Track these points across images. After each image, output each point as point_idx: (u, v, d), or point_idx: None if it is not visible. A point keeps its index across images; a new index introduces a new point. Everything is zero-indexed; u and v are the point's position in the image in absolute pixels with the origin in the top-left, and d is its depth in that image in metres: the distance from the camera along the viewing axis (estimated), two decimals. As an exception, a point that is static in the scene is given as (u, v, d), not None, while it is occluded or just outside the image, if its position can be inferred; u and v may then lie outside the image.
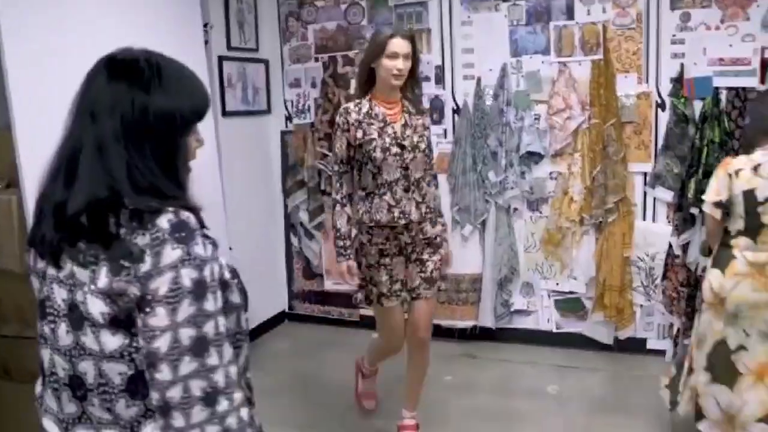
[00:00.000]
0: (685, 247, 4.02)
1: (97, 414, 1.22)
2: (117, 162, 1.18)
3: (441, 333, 4.60)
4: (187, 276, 1.14)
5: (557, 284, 4.49)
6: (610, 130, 4.12)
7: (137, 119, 1.20)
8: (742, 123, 3.20)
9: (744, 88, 3.83)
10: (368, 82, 3.06)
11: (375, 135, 2.98)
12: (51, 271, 1.24)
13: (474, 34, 4.46)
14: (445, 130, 4.59)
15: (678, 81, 4.01)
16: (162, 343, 1.12)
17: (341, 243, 3.08)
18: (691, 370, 3.08)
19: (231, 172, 4.54)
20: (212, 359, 1.15)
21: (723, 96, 3.90)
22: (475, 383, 4.11)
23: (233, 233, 4.38)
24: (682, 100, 3.99)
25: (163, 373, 1.12)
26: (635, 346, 4.34)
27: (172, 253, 1.14)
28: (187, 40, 3.98)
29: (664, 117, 4.09)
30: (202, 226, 1.23)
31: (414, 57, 2.98)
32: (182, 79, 1.30)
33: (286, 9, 4.98)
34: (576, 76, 4.21)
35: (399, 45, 2.91)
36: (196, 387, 1.13)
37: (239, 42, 4.71)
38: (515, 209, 4.51)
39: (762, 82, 3.79)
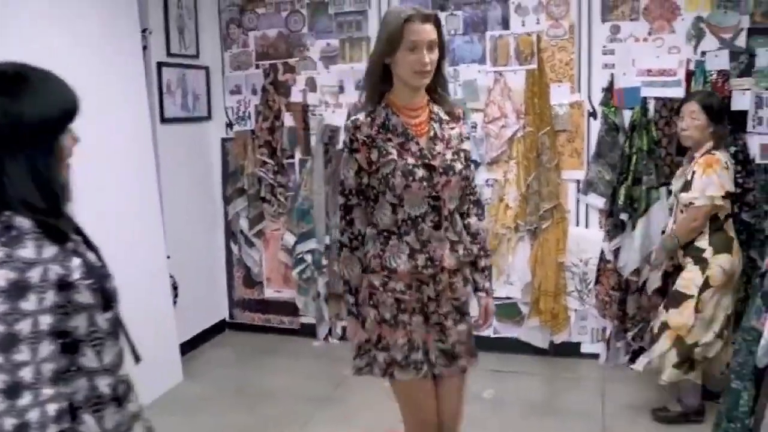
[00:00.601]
0: (616, 252, 4.14)
1: None
2: None
3: (381, 339, 4.63)
4: (3, 277, 1.22)
5: (494, 290, 4.54)
6: (544, 139, 4.22)
7: (12, 129, 1.29)
8: (697, 124, 3.40)
9: (671, 99, 3.98)
10: (382, 82, 2.27)
11: (394, 154, 2.20)
12: None
13: (412, 43, 4.51)
14: (384, 138, 4.62)
15: (608, 91, 4.13)
16: None
17: (351, 299, 2.33)
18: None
19: (170, 179, 4.49)
20: (21, 355, 1.22)
21: (651, 106, 4.04)
22: (414, 388, 4.14)
23: (172, 241, 4.34)
24: (613, 109, 4.11)
25: None
26: (570, 349, 4.44)
27: None
28: (124, 46, 3.95)
29: (596, 126, 4.20)
30: (62, 232, 1.32)
31: (441, 44, 2.21)
32: (49, 84, 1.37)
33: (227, 15, 4.97)
34: (511, 86, 4.30)
35: (421, 31, 2.13)
36: None
37: (179, 48, 4.68)
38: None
39: (687, 92, 3.92)
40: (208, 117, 5.02)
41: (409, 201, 2.20)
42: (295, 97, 4.83)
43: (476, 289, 2.50)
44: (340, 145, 4.70)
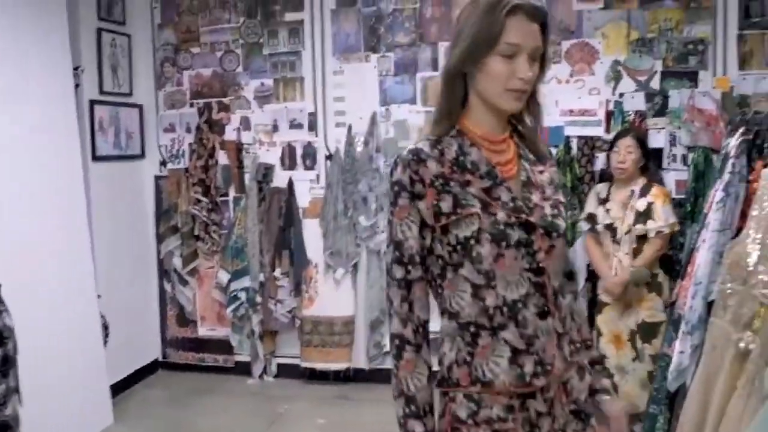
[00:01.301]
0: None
1: None
2: None
3: (315, 376, 4.66)
4: None
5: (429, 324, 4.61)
6: (474, 176, 4.34)
7: None
8: (633, 158, 3.61)
9: (592, 137, 4.18)
10: (455, 100, 1.53)
11: (477, 207, 1.45)
12: None
13: (345, 83, 4.63)
14: (318, 176, 4.71)
15: (534, 130, 4.29)
16: None
17: (419, 427, 1.48)
18: None
19: (101, 217, 4.44)
20: None
21: (573, 144, 4.23)
22: (349, 425, 4.15)
23: (103, 280, 4.29)
24: (538, 147, 4.27)
25: None
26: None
27: None
28: (55, 83, 3.93)
29: (523, 163, 4.35)
30: None
31: (544, 56, 1.49)
32: None
33: (162, 54, 4.99)
34: (441, 125, 4.42)
35: (527, 31, 1.43)
36: None
37: (112, 86, 4.67)
38: (386, 252, 4.60)
39: (607, 131, 4.14)
40: (142, 155, 5.00)
41: (502, 278, 1.44)
42: (229, 135, 4.86)
43: (591, 392, 1.60)
44: (274, 183, 4.76)
